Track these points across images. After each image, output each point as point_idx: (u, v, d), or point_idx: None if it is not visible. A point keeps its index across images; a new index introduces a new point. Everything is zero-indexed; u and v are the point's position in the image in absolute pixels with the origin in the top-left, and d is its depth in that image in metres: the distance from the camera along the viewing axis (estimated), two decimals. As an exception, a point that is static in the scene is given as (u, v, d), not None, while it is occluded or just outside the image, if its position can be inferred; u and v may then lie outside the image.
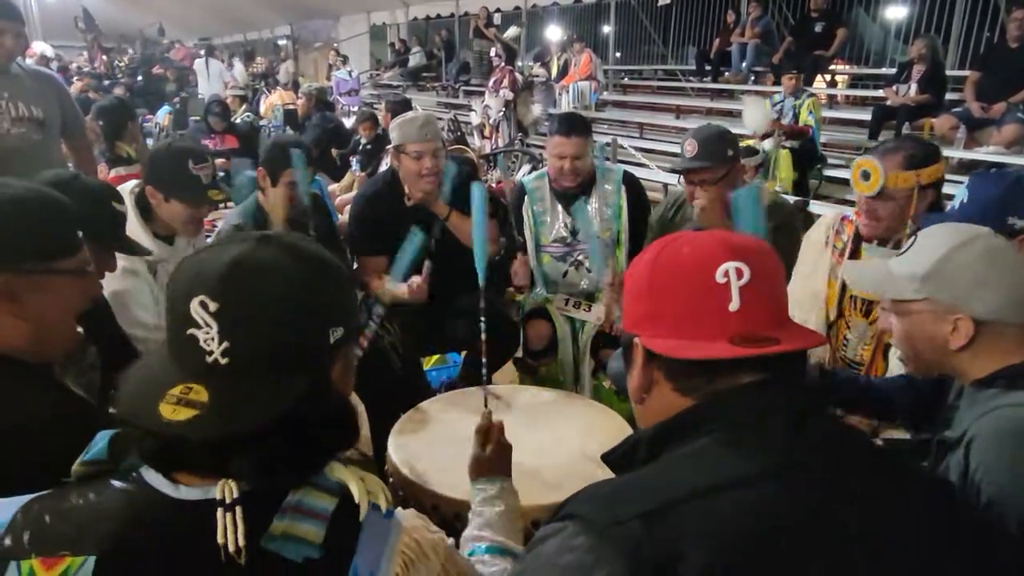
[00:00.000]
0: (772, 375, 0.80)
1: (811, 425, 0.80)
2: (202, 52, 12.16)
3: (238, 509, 0.73)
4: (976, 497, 1.02)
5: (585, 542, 0.70)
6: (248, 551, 0.72)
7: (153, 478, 0.77)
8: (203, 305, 0.74)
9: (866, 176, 1.81)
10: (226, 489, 0.74)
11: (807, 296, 2.00)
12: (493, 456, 1.32)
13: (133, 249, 1.83)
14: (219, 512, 0.72)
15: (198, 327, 0.75)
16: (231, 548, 0.71)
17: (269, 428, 0.74)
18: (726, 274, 0.80)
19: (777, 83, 6.71)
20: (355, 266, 2.81)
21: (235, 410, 0.74)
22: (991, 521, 0.98)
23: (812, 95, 6.62)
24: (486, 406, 1.44)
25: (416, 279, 2.48)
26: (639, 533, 0.69)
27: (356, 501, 0.78)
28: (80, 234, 1.22)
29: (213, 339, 0.74)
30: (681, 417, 0.82)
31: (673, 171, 2.63)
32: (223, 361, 0.74)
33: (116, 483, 0.78)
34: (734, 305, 0.80)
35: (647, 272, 0.87)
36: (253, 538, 0.73)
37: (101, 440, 0.80)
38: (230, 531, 0.72)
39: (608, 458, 0.90)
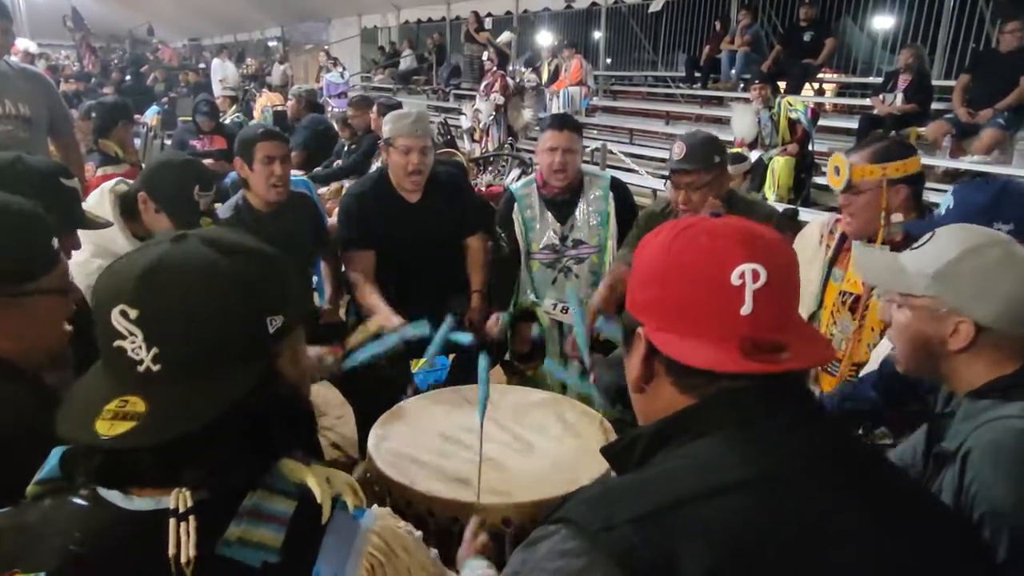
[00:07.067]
0: (774, 378, 0.79)
1: (810, 431, 0.79)
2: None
3: (191, 518, 0.71)
4: (969, 512, 1.00)
5: (576, 547, 0.69)
6: (202, 559, 0.70)
7: (107, 492, 0.75)
8: (123, 314, 0.72)
9: (836, 172, 1.86)
10: (180, 498, 0.72)
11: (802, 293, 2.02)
12: (479, 545, 1.33)
13: (93, 223, 1.75)
14: (171, 522, 0.71)
15: (123, 337, 0.73)
16: (183, 559, 0.69)
17: (215, 430, 0.72)
18: (742, 276, 0.78)
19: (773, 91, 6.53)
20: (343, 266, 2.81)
21: (171, 416, 0.72)
22: (983, 539, 0.97)
23: (783, 96, 6.40)
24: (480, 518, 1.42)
25: (399, 319, 2.48)
26: (631, 538, 0.67)
27: (318, 502, 0.76)
28: (56, 244, 1.16)
29: (140, 347, 0.72)
30: (680, 416, 0.80)
31: (663, 176, 2.65)
32: (155, 368, 0.73)
33: (71, 499, 0.76)
34: (746, 309, 0.78)
35: (661, 256, 0.83)
36: (208, 545, 0.71)
37: (53, 457, 0.79)
38: (183, 541, 0.70)
39: (607, 452, 0.89)
